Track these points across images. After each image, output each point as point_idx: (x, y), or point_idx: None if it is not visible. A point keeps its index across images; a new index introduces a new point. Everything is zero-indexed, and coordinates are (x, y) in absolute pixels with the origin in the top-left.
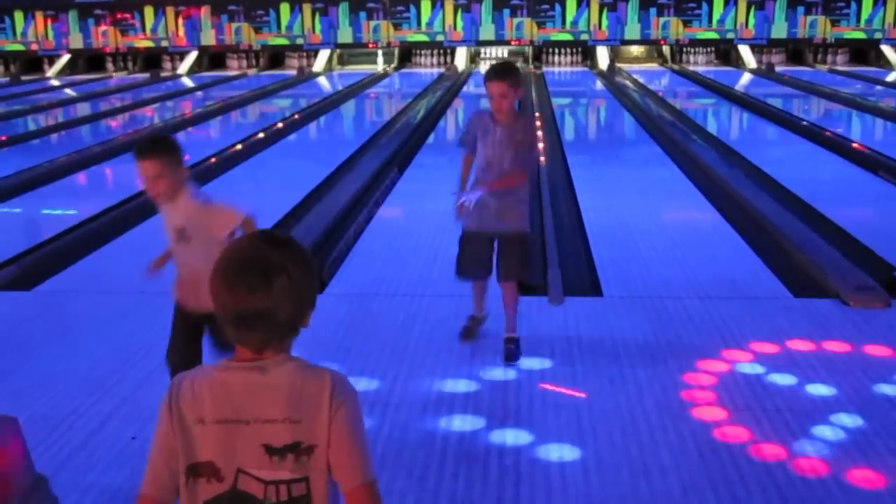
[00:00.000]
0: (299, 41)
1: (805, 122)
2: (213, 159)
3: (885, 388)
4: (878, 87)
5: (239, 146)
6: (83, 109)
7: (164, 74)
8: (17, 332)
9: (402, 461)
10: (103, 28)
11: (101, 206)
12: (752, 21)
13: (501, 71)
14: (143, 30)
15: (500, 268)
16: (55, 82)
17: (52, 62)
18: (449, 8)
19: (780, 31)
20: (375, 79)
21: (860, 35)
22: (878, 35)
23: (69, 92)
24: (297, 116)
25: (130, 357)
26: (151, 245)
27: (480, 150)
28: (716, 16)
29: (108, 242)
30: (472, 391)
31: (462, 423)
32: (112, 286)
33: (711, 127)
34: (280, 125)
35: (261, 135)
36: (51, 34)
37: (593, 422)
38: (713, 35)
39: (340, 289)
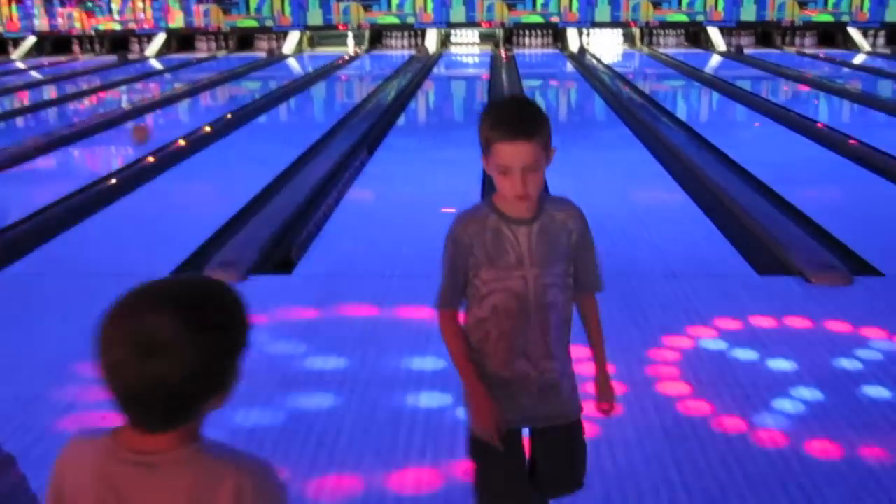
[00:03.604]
0: (269, 23)
1: (773, 104)
2: (181, 142)
3: (845, 363)
4: (846, 70)
5: (208, 128)
6: (49, 92)
7: (131, 57)
8: None
9: (369, 438)
10: (69, 10)
11: (67, 189)
12: (721, 4)
13: (524, 118)
14: (110, 12)
15: (548, 479)
16: (20, 65)
17: (17, 44)
18: None
19: (749, 13)
20: (346, 61)
21: (828, 18)
22: (845, 18)
23: (35, 75)
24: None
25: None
26: (119, 228)
27: (489, 288)
28: None
29: (75, 226)
30: (439, 369)
31: (429, 399)
32: (79, 269)
33: (681, 109)
34: (249, 107)
35: (230, 117)
36: (16, 16)
37: None
38: (683, 18)
39: (309, 269)
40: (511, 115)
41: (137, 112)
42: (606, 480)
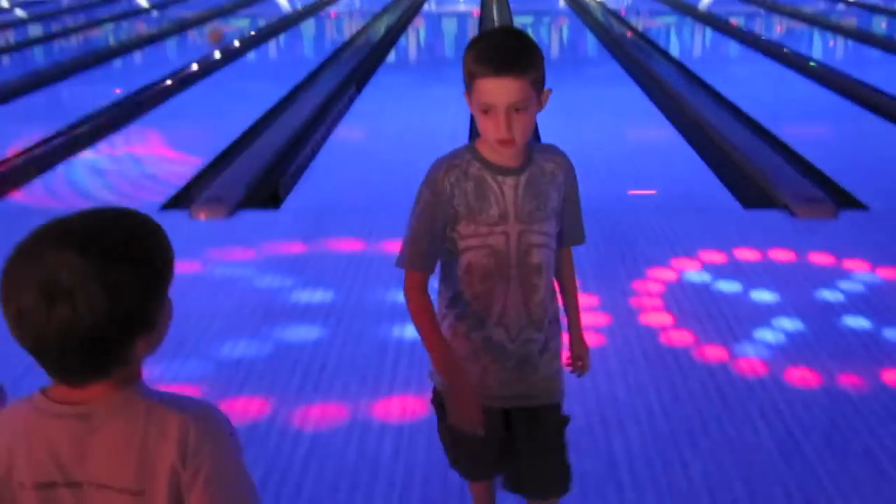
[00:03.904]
0: None
1: (767, 41)
2: (169, 81)
3: (827, 294)
4: (840, 5)
5: (195, 66)
6: (35, 30)
7: None
8: None
9: (355, 368)
10: None
11: (55, 127)
12: None
13: (512, 50)
14: None
15: (526, 474)
16: (4, 3)
17: None
18: None
19: None
20: None
21: None
22: None
23: (20, 12)
24: (253, 34)
25: None
26: (106, 165)
27: (466, 244)
28: None
29: (62, 162)
30: None
31: (414, 331)
32: (66, 204)
33: (673, 45)
34: (237, 44)
35: (217, 55)
36: None
37: None
38: None
39: (296, 204)
40: (498, 46)
41: (125, 49)
42: (588, 408)
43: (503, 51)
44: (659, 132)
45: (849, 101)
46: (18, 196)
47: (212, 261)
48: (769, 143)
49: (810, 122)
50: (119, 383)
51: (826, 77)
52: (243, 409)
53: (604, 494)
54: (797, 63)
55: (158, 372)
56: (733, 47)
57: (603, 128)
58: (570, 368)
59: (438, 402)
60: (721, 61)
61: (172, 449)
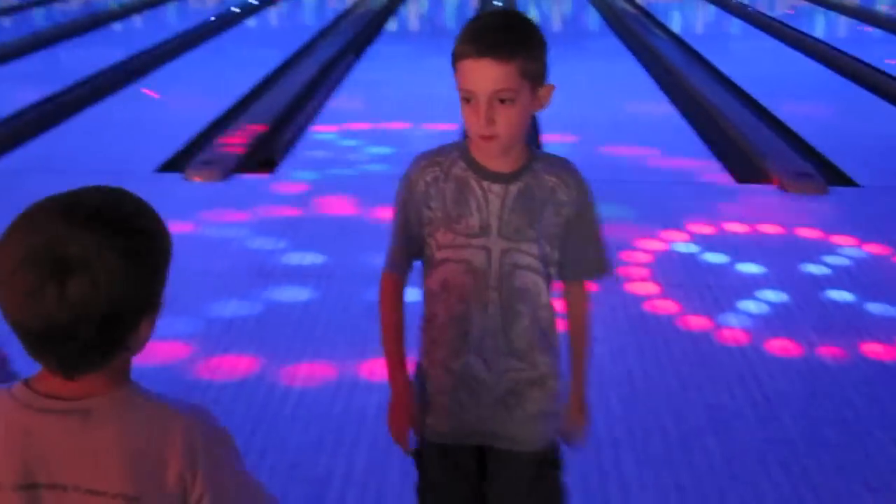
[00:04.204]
0: None
1: (768, 17)
2: (167, 41)
3: (812, 268)
4: None
5: (194, 31)
6: None
7: None
8: None
9: (344, 329)
10: None
11: (50, 89)
12: None
13: (501, 31)
14: None
15: None
16: None
17: None
18: None
19: None
20: None
21: None
22: None
23: None
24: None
25: None
26: (101, 128)
27: (443, 255)
28: None
29: (57, 125)
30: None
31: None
32: (60, 167)
33: (674, 21)
34: (237, 10)
35: (214, 19)
36: None
37: None
38: None
39: (291, 169)
40: (487, 26)
41: (124, 13)
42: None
43: (490, 30)
44: (655, 106)
45: (848, 80)
46: (14, 158)
47: (205, 222)
48: (764, 120)
49: (807, 100)
50: (114, 376)
51: (826, 56)
52: (232, 366)
53: (583, 455)
54: (797, 41)
55: None
56: (734, 24)
57: (599, 101)
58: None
59: (417, 460)
60: (721, 38)
61: (178, 456)
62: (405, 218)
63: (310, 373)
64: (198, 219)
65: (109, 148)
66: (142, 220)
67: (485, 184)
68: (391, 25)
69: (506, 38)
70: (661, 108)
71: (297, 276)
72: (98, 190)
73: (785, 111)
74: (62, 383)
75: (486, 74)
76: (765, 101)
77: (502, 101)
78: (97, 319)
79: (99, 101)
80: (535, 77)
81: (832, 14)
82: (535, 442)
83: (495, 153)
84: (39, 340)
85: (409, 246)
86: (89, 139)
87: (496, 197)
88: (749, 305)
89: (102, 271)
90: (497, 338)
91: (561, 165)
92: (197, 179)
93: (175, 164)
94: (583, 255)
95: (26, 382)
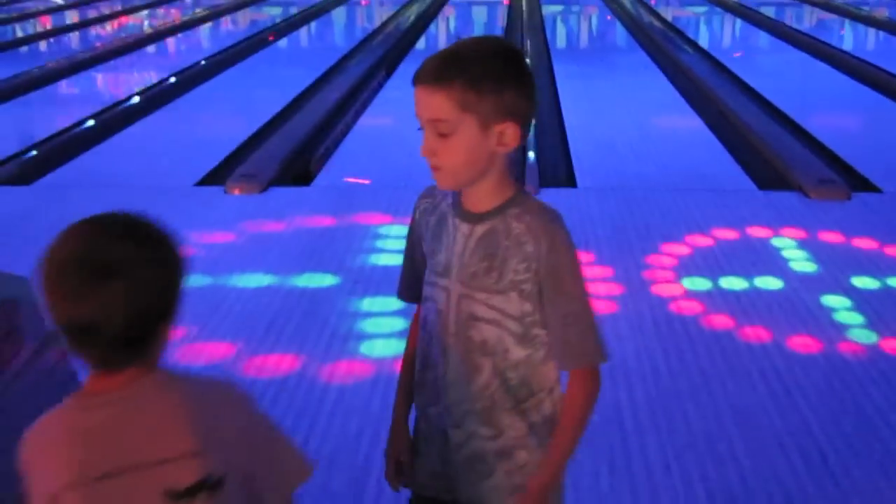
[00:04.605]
0: None
1: (797, 31)
2: (202, 62)
3: (835, 270)
4: None
5: (228, 52)
6: (71, 17)
7: None
8: (20, 225)
9: (380, 330)
10: None
11: (91, 109)
12: None
13: (448, 58)
14: None
15: None
16: None
17: None
18: None
19: None
20: None
21: None
22: None
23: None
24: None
25: None
26: (143, 145)
27: (425, 293)
28: None
29: (101, 143)
30: None
31: None
32: (106, 182)
33: (703, 36)
34: (268, 31)
35: (250, 42)
36: None
37: None
38: None
39: (326, 181)
40: (438, 53)
41: (158, 36)
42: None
43: (435, 57)
44: (681, 118)
45: (874, 90)
46: (60, 173)
47: (245, 232)
48: (789, 129)
49: (831, 109)
50: (147, 368)
51: (850, 66)
52: (275, 365)
53: (609, 439)
54: (821, 51)
55: (195, 331)
56: (761, 37)
57: (626, 113)
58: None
59: None
60: (747, 51)
61: (236, 412)
62: (410, 244)
63: (348, 370)
64: (238, 229)
65: (151, 164)
66: (166, 237)
67: (456, 221)
68: (420, 44)
69: (444, 65)
70: (687, 120)
71: (335, 281)
72: (128, 212)
73: (809, 120)
74: (106, 381)
75: (420, 102)
76: (789, 111)
77: (440, 133)
78: (129, 320)
79: (137, 120)
80: (486, 112)
81: (860, 27)
82: None
83: (442, 186)
84: (80, 337)
85: (413, 273)
86: (132, 156)
87: (462, 236)
88: (771, 305)
89: (135, 277)
90: (460, 390)
91: (537, 214)
92: (236, 192)
93: (214, 177)
94: (563, 336)
95: (74, 397)
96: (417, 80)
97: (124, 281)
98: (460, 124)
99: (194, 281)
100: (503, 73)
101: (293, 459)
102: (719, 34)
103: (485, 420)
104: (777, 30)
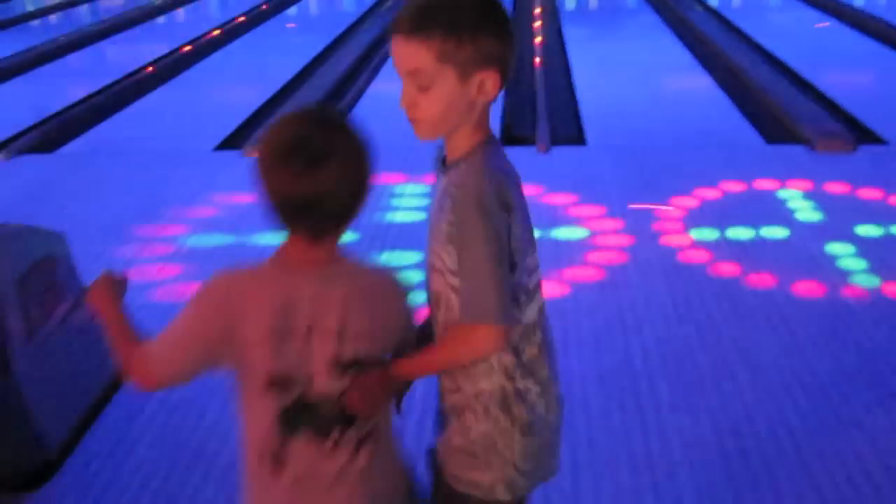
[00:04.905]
0: None
1: None
2: (215, 31)
3: (839, 219)
4: None
5: (241, 19)
6: None
7: None
8: (44, 190)
9: None
10: None
11: (110, 78)
12: None
13: (422, 7)
14: None
15: None
16: None
17: None
18: None
19: None
20: None
21: None
22: None
23: None
24: None
25: (150, 208)
26: (161, 112)
27: None
28: None
29: (121, 111)
30: None
31: None
32: (128, 148)
33: None
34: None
35: (265, 6)
36: None
37: (568, 248)
38: None
39: None
40: (415, 2)
41: (172, 5)
42: (609, 314)
43: (410, 6)
44: (691, 77)
45: (880, 43)
46: (82, 141)
47: None
48: (796, 84)
49: (840, 64)
50: (341, 251)
51: (858, 20)
52: None
53: (620, 383)
54: (830, 7)
55: None
56: None
57: (636, 74)
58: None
59: None
60: (753, 6)
61: (400, 298)
62: None
63: None
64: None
65: (169, 130)
66: (361, 131)
67: (437, 172)
68: None
69: (420, 14)
70: (697, 80)
71: (351, 237)
72: (332, 107)
73: (816, 74)
74: (305, 253)
75: (397, 53)
76: (796, 66)
77: (419, 86)
78: (342, 195)
79: (155, 88)
80: (464, 61)
81: None
82: (441, 468)
83: (421, 138)
84: (298, 211)
85: None
86: (150, 123)
87: (436, 186)
88: (776, 254)
89: (346, 161)
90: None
91: (464, 174)
92: (255, 156)
93: (231, 142)
94: (461, 289)
95: (272, 261)
96: (393, 30)
97: (338, 164)
98: (439, 75)
99: (219, 240)
100: (480, 20)
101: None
102: None
103: (446, 374)
104: None
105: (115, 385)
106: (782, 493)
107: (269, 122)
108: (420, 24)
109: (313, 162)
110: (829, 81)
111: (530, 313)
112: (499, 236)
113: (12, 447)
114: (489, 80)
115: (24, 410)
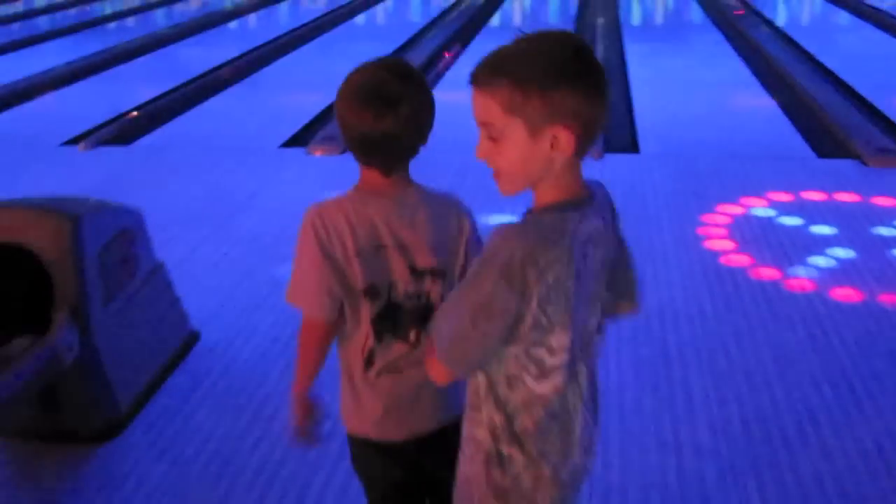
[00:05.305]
0: None
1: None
2: (282, 39)
3: (883, 231)
4: None
5: (308, 27)
6: None
7: None
8: (119, 179)
9: None
10: None
11: (181, 79)
12: None
13: (490, 57)
14: None
15: None
16: None
17: None
18: None
19: None
20: None
21: None
22: None
23: None
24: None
25: (219, 197)
26: (231, 111)
27: None
28: None
29: (193, 108)
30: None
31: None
32: (199, 143)
33: (780, 14)
34: (347, 7)
35: (329, 17)
36: None
37: None
38: None
39: None
40: (492, 52)
41: (242, 12)
42: (648, 309)
43: (487, 56)
44: (747, 89)
45: None
46: (156, 136)
47: (327, 189)
48: (850, 99)
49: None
50: (407, 178)
51: None
52: None
53: (655, 371)
54: (880, 20)
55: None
56: (842, 17)
57: (696, 90)
58: None
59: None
60: (824, 29)
61: (464, 223)
62: None
63: None
64: (321, 186)
65: (238, 128)
66: (427, 83)
67: None
68: (494, 20)
69: (492, 65)
70: (752, 92)
71: None
72: (401, 61)
73: (872, 90)
74: (380, 182)
75: (473, 103)
76: (851, 81)
77: (488, 136)
78: (413, 131)
79: (222, 91)
80: (533, 115)
81: None
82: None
83: (502, 192)
84: (375, 146)
85: None
86: (219, 122)
87: None
88: (818, 260)
89: (416, 104)
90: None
91: (512, 227)
92: (318, 153)
93: (299, 138)
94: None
95: (357, 189)
96: (470, 80)
97: (408, 107)
98: (507, 128)
99: (281, 228)
100: (555, 73)
101: None
102: (797, 12)
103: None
104: (858, 9)
105: (181, 354)
106: (802, 476)
107: (343, 85)
108: (490, 76)
109: (390, 104)
110: (881, 95)
111: (542, 388)
112: (486, 298)
113: (87, 402)
114: (562, 137)
115: (100, 369)
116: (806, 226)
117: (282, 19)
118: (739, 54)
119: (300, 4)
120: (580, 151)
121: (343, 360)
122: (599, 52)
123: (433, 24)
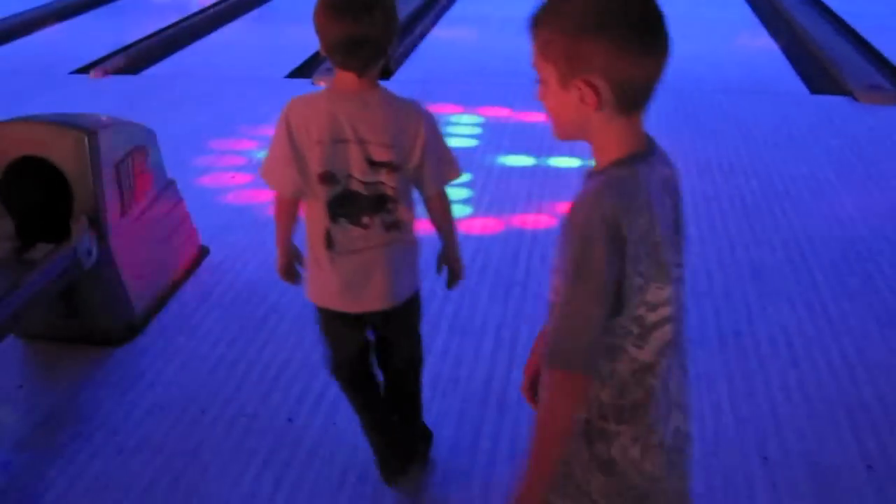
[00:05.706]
0: None
1: None
2: None
3: (870, 165)
4: None
5: None
6: None
7: None
8: (130, 106)
9: None
10: None
11: (178, 15)
12: None
13: (543, 2)
14: None
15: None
16: None
17: None
18: None
19: None
20: None
21: None
22: None
23: None
24: None
25: (229, 124)
26: (236, 42)
27: None
28: None
29: (199, 39)
30: (514, 152)
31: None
32: (205, 73)
33: None
34: None
35: None
36: None
37: None
38: None
39: (404, 76)
40: None
41: None
42: None
43: None
44: (745, 28)
45: None
46: (163, 66)
47: None
48: (844, 35)
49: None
50: (375, 81)
51: None
52: None
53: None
54: None
55: None
56: None
57: (696, 27)
58: None
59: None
60: None
61: (420, 123)
62: None
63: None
64: None
65: (244, 59)
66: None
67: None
68: None
69: (541, 7)
70: (750, 30)
71: None
72: None
73: (865, 26)
74: (350, 83)
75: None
76: (852, 22)
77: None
78: (383, 35)
79: (227, 23)
80: (562, 65)
81: None
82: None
83: (555, 136)
84: (350, 48)
85: None
86: (224, 53)
87: None
88: (803, 189)
89: (386, 10)
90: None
91: (581, 196)
92: (322, 84)
93: (303, 70)
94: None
95: (328, 90)
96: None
97: (381, 12)
98: (545, 73)
99: None
100: (594, 21)
101: (450, 163)
102: None
103: None
104: None
105: (191, 269)
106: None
107: None
108: (536, 17)
109: (366, 8)
110: (875, 33)
111: (644, 354)
112: (598, 272)
113: (104, 306)
114: (586, 92)
115: (116, 274)
116: (795, 159)
117: None
118: None
119: None
120: (620, 109)
121: (307, 239)
122: None
123: None
